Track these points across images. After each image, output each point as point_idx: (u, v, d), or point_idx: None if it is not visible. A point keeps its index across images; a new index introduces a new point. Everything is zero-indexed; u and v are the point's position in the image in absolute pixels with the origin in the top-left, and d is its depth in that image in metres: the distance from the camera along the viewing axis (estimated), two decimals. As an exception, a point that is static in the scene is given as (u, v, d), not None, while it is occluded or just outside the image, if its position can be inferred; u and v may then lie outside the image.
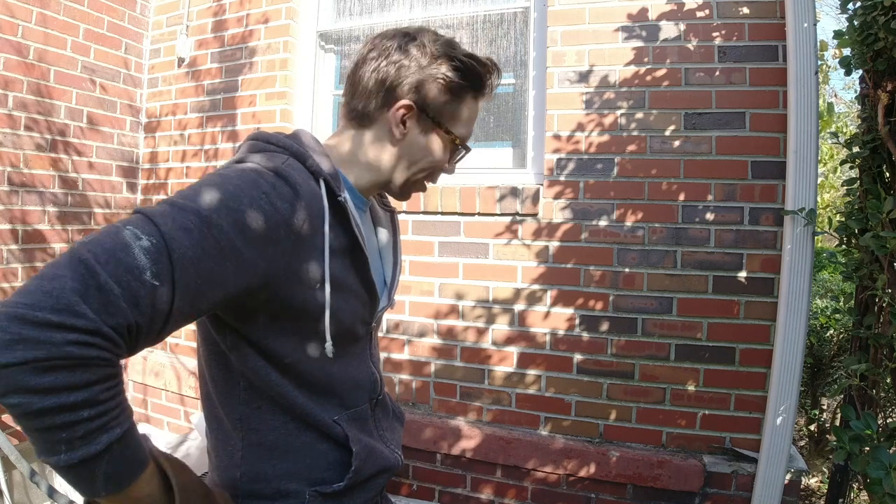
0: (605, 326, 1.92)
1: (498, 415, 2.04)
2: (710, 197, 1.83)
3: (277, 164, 0.71)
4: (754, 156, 1.79)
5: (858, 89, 1.71)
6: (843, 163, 1.82)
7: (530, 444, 1.92)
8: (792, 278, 1.68)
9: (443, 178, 0.98)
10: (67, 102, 2.41)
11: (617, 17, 1.92)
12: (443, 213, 2.12)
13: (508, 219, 2.03)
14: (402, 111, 0.80)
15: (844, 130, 4.07)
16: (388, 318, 2.18)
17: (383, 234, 0.97)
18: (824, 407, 3.22)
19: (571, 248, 1.96)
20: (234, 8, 2.51)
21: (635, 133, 1.90)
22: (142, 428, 2.38)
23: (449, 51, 0.81)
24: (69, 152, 2.43)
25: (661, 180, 1.87)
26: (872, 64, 1.47)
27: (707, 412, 1.82)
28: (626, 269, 1.90)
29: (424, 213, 2.14)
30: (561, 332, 1.97)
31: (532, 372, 2.00)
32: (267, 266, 0.66)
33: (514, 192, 2.00)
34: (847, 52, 1.57)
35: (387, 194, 0.96)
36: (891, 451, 1.19)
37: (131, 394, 2.72)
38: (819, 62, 1.69)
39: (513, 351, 2.03)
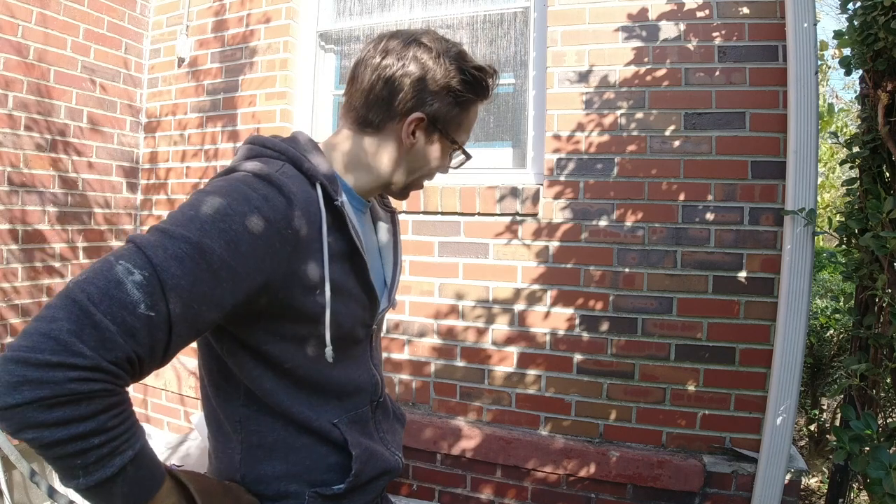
0: (605, 326, 1.92)
1: (498, 415, 2.04)
2: (710, 197, 1.83)
3: (272, 171, 0.71)
4: (754, 156, 1.79)
5: (858, 89, 1.71)
6: (843, 163, 1.82)
7: (530, 444, 1.93)
8: (792, 278, 1.68)
9: (443, 178, 0.99)
10: (67, 102, 2.41)
11: (617, 17, 1.92)
12: (443, 213, 2.12)
13: (508, 219, 2.03)
14: (413, 123, 0.81)
15: (844, 130, 4.06)
16: (388, 318, 2.18)
17: (384, 234, 0.97)
18: (824, 407, 3.22)
19: (571, 248, 1.96)
20: (234, 8, 2.51)
21: (635, 133, 1.90)
22: (142, 428, 2.38)
23: (461, 64, 0.81)
24: (69, 152, 2.43)
25: (661, 180, 1.87)
26: (872, 64, 1.46)
27: (707, 412, 1.82)
28: (626, 269, 1.90)
29: (424, 213, 2.14)
30: (561, 332, 1.97)
31: (532, 372, 2.00)
32: (265, 276, 0.66)
33: (514, 192, 2.00)
34: (847, 52, 1.57)
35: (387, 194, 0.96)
36: (891, 451, 1.19)
37: (131, 394, 2.71)
38: (819, 62, 1.69)
39: (513, 351, 2.03)
